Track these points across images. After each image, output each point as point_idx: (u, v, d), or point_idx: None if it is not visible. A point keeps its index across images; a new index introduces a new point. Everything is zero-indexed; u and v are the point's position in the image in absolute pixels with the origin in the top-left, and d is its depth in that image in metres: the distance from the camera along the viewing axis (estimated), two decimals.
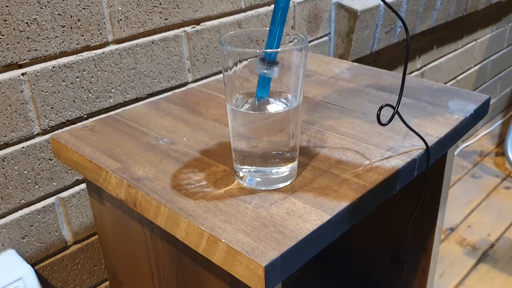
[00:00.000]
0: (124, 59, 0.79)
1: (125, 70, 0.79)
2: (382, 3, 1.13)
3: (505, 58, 2.06)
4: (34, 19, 0.67)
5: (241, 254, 0.41)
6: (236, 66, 0.46)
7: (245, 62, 0.46)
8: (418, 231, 0.79)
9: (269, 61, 0.46)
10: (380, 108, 0.52)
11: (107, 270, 0.74)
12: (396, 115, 0.55)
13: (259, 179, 0.50)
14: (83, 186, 0.79)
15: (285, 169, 0.50)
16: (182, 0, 0.84)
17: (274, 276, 0.41)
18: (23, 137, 0.70)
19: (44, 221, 0.76)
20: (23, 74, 0.68)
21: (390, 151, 0.57)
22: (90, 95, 0.76)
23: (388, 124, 0.54)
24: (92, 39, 0.74)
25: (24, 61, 0.68)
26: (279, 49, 0.46)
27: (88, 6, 0.72)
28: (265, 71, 0.46)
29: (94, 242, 0.84)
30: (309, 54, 0.93)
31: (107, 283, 0.88)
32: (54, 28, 0.69)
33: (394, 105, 0.54)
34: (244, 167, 0.50)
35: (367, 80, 0.78)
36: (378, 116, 0.52)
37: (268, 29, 0.48)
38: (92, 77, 0.76)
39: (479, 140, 1.97)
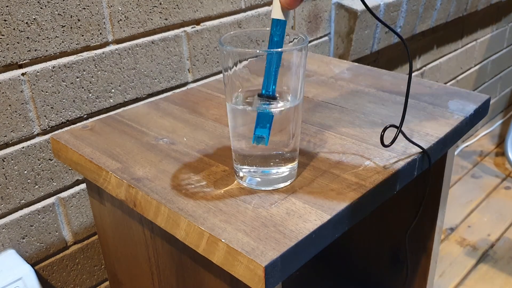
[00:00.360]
0: (124, 59, 0.79)
1: (125, 70, 0.79)
2: (382, 3, 1.13)
3: (505, 58, 2.06)
4: (34, 19, 0.67)
5: (241, 254, 0.41)
6: (236, 66, 0.46)
7: (245, 62, 0.46)
8: (418, 231, 0.79)
9: (268, 96, 0.46)
10: (384, 130, 0.52)
11: (107, 270, 0.74)
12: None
13: (259, 179, 0.50)
14: (83, 186, 0.79)
15: (285, 169, 0.50)
16: (182, 0, 0.84)
17: (274, 276, 0.41)
18: (23, 137, 0.70)
19: (44, 221, 0.76)
20: (23, 74, 0.68)
21: (390, 151, 0.57)
22: (90, 95, 0.76)
23: (390, 145, 0.54)
24: (92, 39, 0.74)
25: (24, 61, 0.68)
26: (280, 49, 0.46)
27: (88, 6, 0.72)
28: (264, 108, 0.46)
29: (94, 242, 0.84)
30: (309, 54, 0.93)
31: (107, 283, 0.88)
32: (54, 28, 0.69)
33: (397, 118, 0.54)
34: (244, 167, 0.50)
35: (367, 80, 0.78)
36: (381, 137, 0.52)
37: (267, 29, 0.48)
38: (92, 77, 0.76)
39: (479, 140, 1.97)
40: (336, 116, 0.66)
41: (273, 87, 0.46)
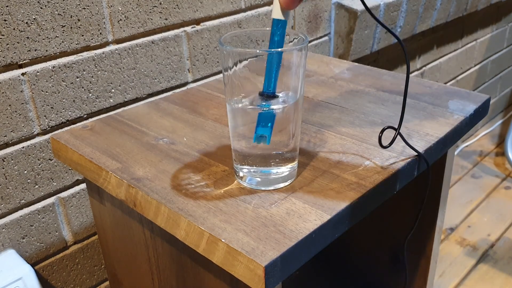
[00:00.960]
0: (124, 59, 0.79)
1: (125, 70, 0.79)
2: (382, 3, 1.13)
3: (505, 58, 2.06)
4: (34, 19, 0.67)
5: (241, 254, 0.41)
6: (236, 66, 0.46)
7: (245, 62, 0.46)
8: (418, 231, 0.79)
9: (269, 95, 0.46)
10: (382, 131, 0.52)
11: (107, 270, 0.74)
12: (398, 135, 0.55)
13: (259, 179, 0.50)
14: (83, 186, 0.79)
15: (285, 169, 0.50)
16: (182, 0, 0.84)
17: (274, 276, 0.41)
18: (23, 137, 0.70)
19: (44, 221, 0.76)
20: (23, 74, 0.68)
21: (390, 151, 0.57)
22: (90, 95, 0.76)
23: (389, 146, 0.54)
24: (92, 39, 0.74)
25: (24, 61, 0.68)
26: (279, 49, 0.46)
27: (88, 6, 0.72)
28: (266, 106, 0.46)
29: (94, 242, 0.84)
30: (309, 54, 0.93)
31: (107, 283, 0.88)
32: (54, 28, 0.69)
33: (395, 120, 0.54)
34: (244, 167, 0.50)
35: (367, 80, 0.78)
36: (379, 139, 0.52)
37: (267, 29, 0.48)
38: (92, 77, 0.76)
39: (479, 140, 1.97)
40: (336, 116, 0.66)
41: (274, 85, 0.46)
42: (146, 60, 0.82)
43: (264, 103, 0.46)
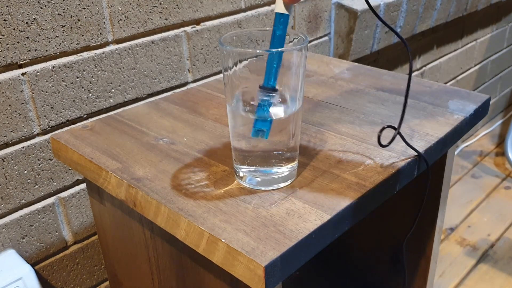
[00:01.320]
0: (124, 59, 0.79)
1: (125, 70, 0.79)
2: (382, 3, 1.13)
3: (505, 58, 2.06)
4: (34, 19, 0.67)
5: (241, 254, 0.41)
6: (236, 66, 0.46)
7: (245, 62, 0.46)
8: (418, 231, 0.79)
9: (269, 88, 0.46)
10: (382, 130, 0.52)
11: (107, 270, 0.74)
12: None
13: (259, 179, 0.50)
14: (83, 186, 0.79)
15: (285, 169, 0.50)
16: (182, 0, 0.84)
17: (274, 276, 0.41)
18: (23, 137, 0.70)
19: (44, 221, 0.76)
20: (23, 74, 0.68)
21: (390, 151, 0.57)
22: (90, 95, 0.76)
23: (388, 145, 0.54)
24: (92, 39, 0.74)
25: (24, 61, 0.68)
26: (280, 49, 0.46)
27: (88, 6, 0.72)
28: (265, 100, 0.46)
29: (94, 242, 0.84)
30: (309, 54, 0.93)
31: (107, 283, 0.88)
32: (54, 28, 0.69)
33: (395, 118, 0.54)
34: (244, 167, 0.50)
35: (367, 80, 0.78)
36: (378, 137, 0.52)
37: (267, 29, 0.48)
38: (92, 77, 0.76)
39: (479, 140, 1.97)
40: (336, 116, 0.66)
41: (274, 79, 0.46)
42: (146, 60, 0.82)
43: (264, 96, 0.46)
